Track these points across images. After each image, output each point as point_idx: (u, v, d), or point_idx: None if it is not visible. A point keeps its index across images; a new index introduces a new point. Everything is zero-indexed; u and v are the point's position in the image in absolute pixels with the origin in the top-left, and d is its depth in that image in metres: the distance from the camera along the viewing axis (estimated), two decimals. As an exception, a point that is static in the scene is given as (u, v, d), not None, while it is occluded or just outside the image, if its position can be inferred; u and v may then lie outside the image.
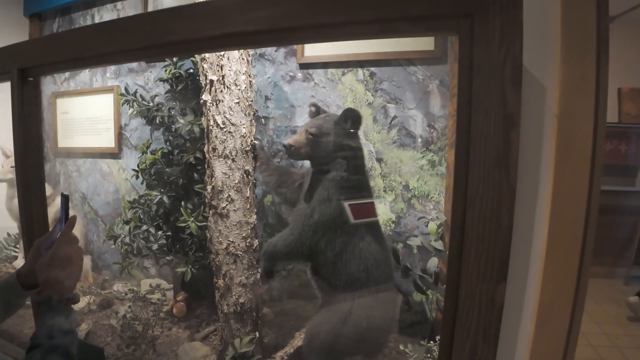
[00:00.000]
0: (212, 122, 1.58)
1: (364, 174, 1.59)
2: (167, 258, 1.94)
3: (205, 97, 1.61)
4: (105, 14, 2.61)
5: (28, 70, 1.31)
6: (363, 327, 1.54)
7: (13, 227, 2.59)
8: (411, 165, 1.90)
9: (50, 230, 0.98)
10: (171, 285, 2.32)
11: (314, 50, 1.98)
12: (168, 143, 2.07)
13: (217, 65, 1.59)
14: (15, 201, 2.32)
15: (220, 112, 1.58)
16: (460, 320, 0.80)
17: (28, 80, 1.32)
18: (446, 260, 1.74)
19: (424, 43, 1.85)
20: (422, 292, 1.73)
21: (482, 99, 0.74)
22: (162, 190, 1.99)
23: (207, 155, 1.64)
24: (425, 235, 1.87)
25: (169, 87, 2.05)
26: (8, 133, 2.46)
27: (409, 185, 1.90)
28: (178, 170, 1.97)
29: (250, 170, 1.65)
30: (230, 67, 1.61)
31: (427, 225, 1.87)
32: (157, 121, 2.04)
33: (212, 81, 1.59)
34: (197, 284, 2.13)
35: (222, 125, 1.58)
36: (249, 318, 1.69)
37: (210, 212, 1.63)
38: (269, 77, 2.04)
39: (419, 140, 1.89)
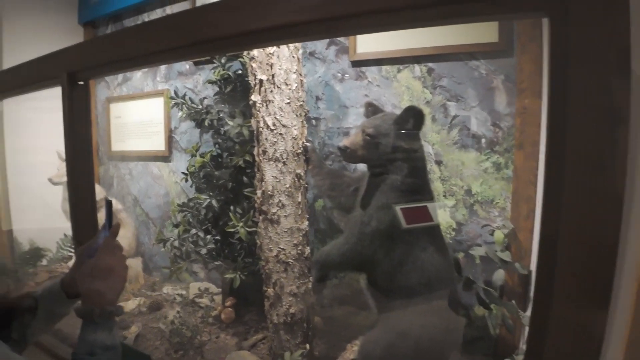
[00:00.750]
0: (262, 124, 1.51)
1: (426, 178, 1.47)
2: (216, 263, 1.89)
3: (255, 97, 1.54)
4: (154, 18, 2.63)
5: (77, 74, 1.29)
6: (423, 344, 1.41)
7: (69, 227, 2.66)
8: (474, 168, 1.75)
9: (94, 236, 0.93)
10: (219, 290, 2.29)
11: (367, 47, 1.87)
12: (217, 146, 2.03)
13: (267, 64, 1.51)
14: (71, 203, 2.38)
15: (270, 113, 1.51)
16: (548, 351, 0.67)
17: (78, 84, 1.31)
18: (513, 272, 1.59)
19: (486, 34, 1.69)
20: (486, 306, 1.59)
21: (581, 91, 0.61)
22: (211, 193, 1.95)
23: (256, 159, 1.58)
24: (490, 245, 1.71)
25: (217, 89, 2.01)
26: (62, 137, 2.51)
27: (471, 189, 1.75)
28: (227, 174, 1.92)
29: (302, 174, 1.57)
30: (280, 66, 1.53)
31: (491, 234, 1.71)
32: (206, 124, 2.00)
33: (261, 81, 1.51)
34: (246, 290, 2.07)
35: (272, 127, 1.50)
36: (300, 329, 1.61)
37: (260, 217, 1.56)
38: (319, 77, 1.95)
39: (483, 140, 1.74)
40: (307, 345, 1.62)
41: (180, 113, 2.13)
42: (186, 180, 2.07)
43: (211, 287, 2.32)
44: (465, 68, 1.74)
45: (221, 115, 2.01)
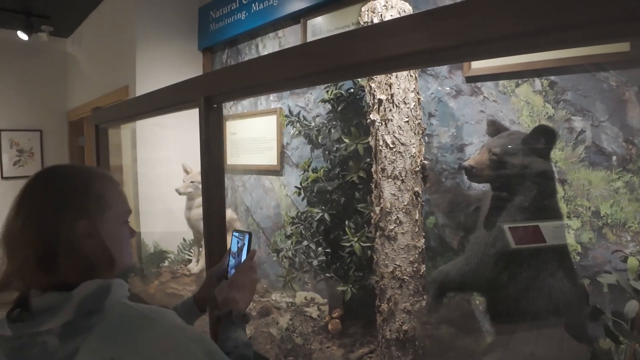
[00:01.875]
0: (381, 142, 1.55)
1: (555, 199, 1.39)
2: (327, 275, 1.96)
3: (374, 116, 1.59)
4: (267, 42, 2.83)
5: (213, 98, 1.42)
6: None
7: (189, 233, 2.92)
8: (603, 187, 1.62)
9: (221, 261, 1.12)
10: (325, 300, 2.35)
11: (482, 62, 1.83)
12: (329, 162, 2.11)
13: (386, 83, 1.55)
14: (193, 212, 2.62)
15: (389, 132, 1.54)
16: None
17: (213, 107, 1.45)
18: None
19: (617, 44, 1.57)
20: (615, 340, 1.45)
21: None
22: (323, 207, 2.03)
23: (374, 176, 1.61)
24: (621, 272, 1.56)
25: (330, 107, 2.09)
26: (186, 152, 2.80)
27: (600, 211, 1.62)
28: (340, 189, 1.99)
29: (420, 192, 1.57)
30: (398, 85, 1.56)
31: (623, 261, 1.57)
32: (319, 140, 2.09)
33: (380, 100, 1.56)
34: (352, 304, 2.11)
35: (391, 145, 1.53)
36: (411, 347, 1.60)
37: (377, 233, 1.59)
38: (432, 93, 1.95)
39: (614, 158, 1.60)
40: (419, 364, 1.61)
41: (293, 130, 2.25)
42: (299, 194, 2.18)
43: (317, 297, 2.40)
44: (592, 80, 1.63)
45: (332, 132, 2.10)
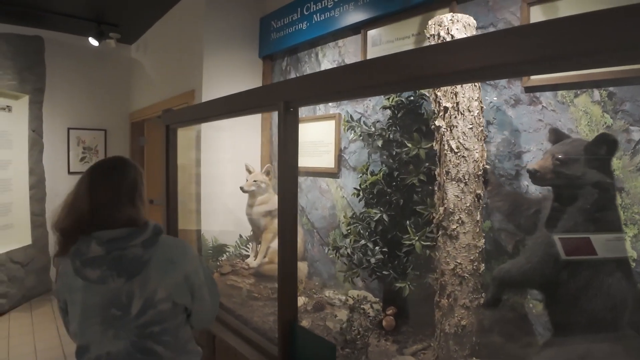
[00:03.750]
0: (446, 147, 1.66)
1: (615, 206, 1.46)
2: (385, 272, 2.07)
3: (439, 122, 1.70)
4: (327, 51, 2.97)
5: (291, 102, 1.57)
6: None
7: (246, 231, 3.09)
8: (661, 196, 1.66)
9: None
10: (377, 299, 2.46)
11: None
12: (384, 165, 2.23)
13: (452, 92, 1.66)
14: (254, 209, 2.78)
15: (454, 137, 1.65)
16: None
17: (290, 111, 1.59)
18: None
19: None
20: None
21: None
22: (381, 208, 2.15)
23: (438, 178, 1.72)
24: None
25: (390, 113, 2.22)
26: (249, 152, 3.00)
27: (657, 219, 1.66)
28: (398, 191, 2.11)
29: (481, 195, 1.67)
30: (463, 94, 1.67)
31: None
32: (379, 145, 2.22)
33: (446, 108, 1.67)
34: (406, 302, 2.21)
35: (456, 150, 1.64)
36: (468, 342, 1.69)
37: (440, 232, 1.69)
38: (491, 102, 2.03)
39: (672, 168, 1.64)
40: (473, 359, 1.69)
41: (352, 135, 2.38)
42: (357, 196, 2.31)
43: (369, 295, 2.51)
44: (651, 91, 1.68)
45: (391, 137, 2.22)
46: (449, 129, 1.66)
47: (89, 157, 4.82)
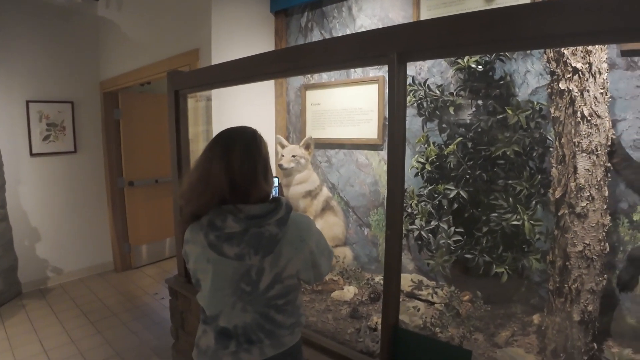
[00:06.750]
0: (578, 114, 1.45)
1: None
2: (469, 256, 1.87)
3: (563, 85, 1.48)
4: (364, 4, 2.58)
5: (406, 55, 1.27)
6: None
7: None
8: None
9: None
10: (433, 283, 2.28)
11: None
12: (443, 134, 2.01)
13: (582, 51, 1.45)
14: (292, 190, 2.46)
15: (586, 103, 1.44)
16: None
17: (403, 65, 1.29)
18: None
19: None
20: None
21: None
22: (455, 184, 1.93)
23: (558, 150, 1.52)
24: None
25: (462, 76, 1.98)
26: (261, 122, 2.61)
27: None
28: (477, 165, 1.89)
29: (610, 167, 1.49)
30: (594, 54, 1.46)
31: None
32: (451, 111, 1.98)
33: (575, 69, 1.45)
34: (481, 285, 2.03)
35: (588, 117, 1.44)
36: (592, 328, 1.54)
37: (566, 211, 1.50)
38: (583, 65, 1.85)
39: None
40: (595, 346, 1.56)
41: (411, 100, 2.09)
42: (421, 169, 2.07)
43: (423, 279, 2.31)
44: None
45: (462, 103, 1.99)
46: (580, 93, 1.45)
47: (55, 135, 4.11)
